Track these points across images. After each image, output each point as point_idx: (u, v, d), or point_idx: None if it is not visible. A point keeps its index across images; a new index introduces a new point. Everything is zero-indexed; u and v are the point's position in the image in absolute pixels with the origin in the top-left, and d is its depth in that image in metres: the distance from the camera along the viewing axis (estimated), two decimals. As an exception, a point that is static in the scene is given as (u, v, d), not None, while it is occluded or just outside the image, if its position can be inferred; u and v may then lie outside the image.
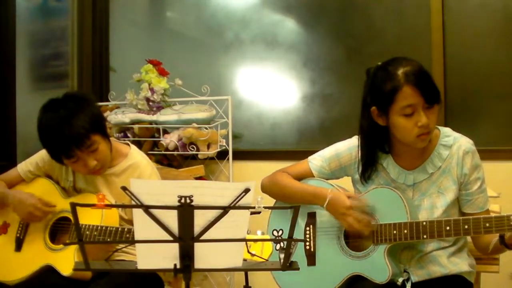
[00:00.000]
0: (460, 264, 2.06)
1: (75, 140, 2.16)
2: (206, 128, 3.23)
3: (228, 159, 3.30)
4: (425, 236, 1.94)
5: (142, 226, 1.44)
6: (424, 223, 1.95)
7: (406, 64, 1.95)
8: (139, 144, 3.26)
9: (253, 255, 1.63)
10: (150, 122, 3.34)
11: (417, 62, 1.98)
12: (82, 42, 3.87)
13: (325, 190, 2.12)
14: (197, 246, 1.46)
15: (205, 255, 1.47)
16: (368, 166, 2.11)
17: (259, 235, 1.74)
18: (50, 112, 2.22)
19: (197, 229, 1.44)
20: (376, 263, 1.99)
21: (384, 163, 2.11)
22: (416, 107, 1.93)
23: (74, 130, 2.15)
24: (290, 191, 2.19)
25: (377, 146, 2.09)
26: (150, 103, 3.29)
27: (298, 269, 1.55)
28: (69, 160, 2.23)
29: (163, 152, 3.33)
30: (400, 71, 1.93)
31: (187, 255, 1.45)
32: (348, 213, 2.05)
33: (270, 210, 2.24)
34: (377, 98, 1.99)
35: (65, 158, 2.22)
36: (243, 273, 1.74)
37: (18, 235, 2.37)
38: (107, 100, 3.61)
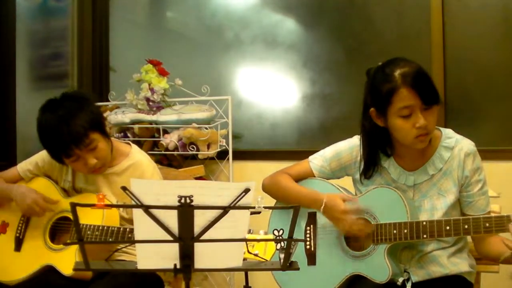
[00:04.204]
0: (460, 264, 2.06)
1: (73, 139, 2.16)
2: (206, 128, 3.23)
3: (228, 159, 3.29)
4: (425, 236, 1.94)
5: (142, 226, 1.44)
6: (424, 223, 1.95)
7: (404, 65, 1.93)
8: (139, 144, 3.24)
9: (255, 255, 1.63)
10: (150, 122, 3.34)
11: (415, 64, 1.96)
12: (82, 42, 3.87)
13: (321, 195, 2.10)
14: (197, 246, 1.45)
15: (205, 255, 1.47)
16: (370, 166, 2.10)
17: (261, 235, 1.74)
18: (48, 112, 2.23)
19: (197, 229, 1.43)
20: (376, 263, 1.99)
21: (385, 163, 2.11)
22: (413, 109, 1.92)
23: (72, 129, 2.16)
24: (288, 193, 2.19)
25: (379, 147, 2.08)
26: (150, 103, 3.29)
27: (298, 269, 1.55)
28: (69, 159, 2.23)
29: (163, 152, 3.33)
30: (397, 73, 1.92)
31: (187, 255, 1.45)
32: (343, 218, 2.04)
33: (270, 210, 2.24)
34: (375, 99, 1.99)
35: (65, 157, 2.23)
36: (243, 273, 1.74)
37: (17, 234, 2.37)
38: (107, 100, 3.61)
